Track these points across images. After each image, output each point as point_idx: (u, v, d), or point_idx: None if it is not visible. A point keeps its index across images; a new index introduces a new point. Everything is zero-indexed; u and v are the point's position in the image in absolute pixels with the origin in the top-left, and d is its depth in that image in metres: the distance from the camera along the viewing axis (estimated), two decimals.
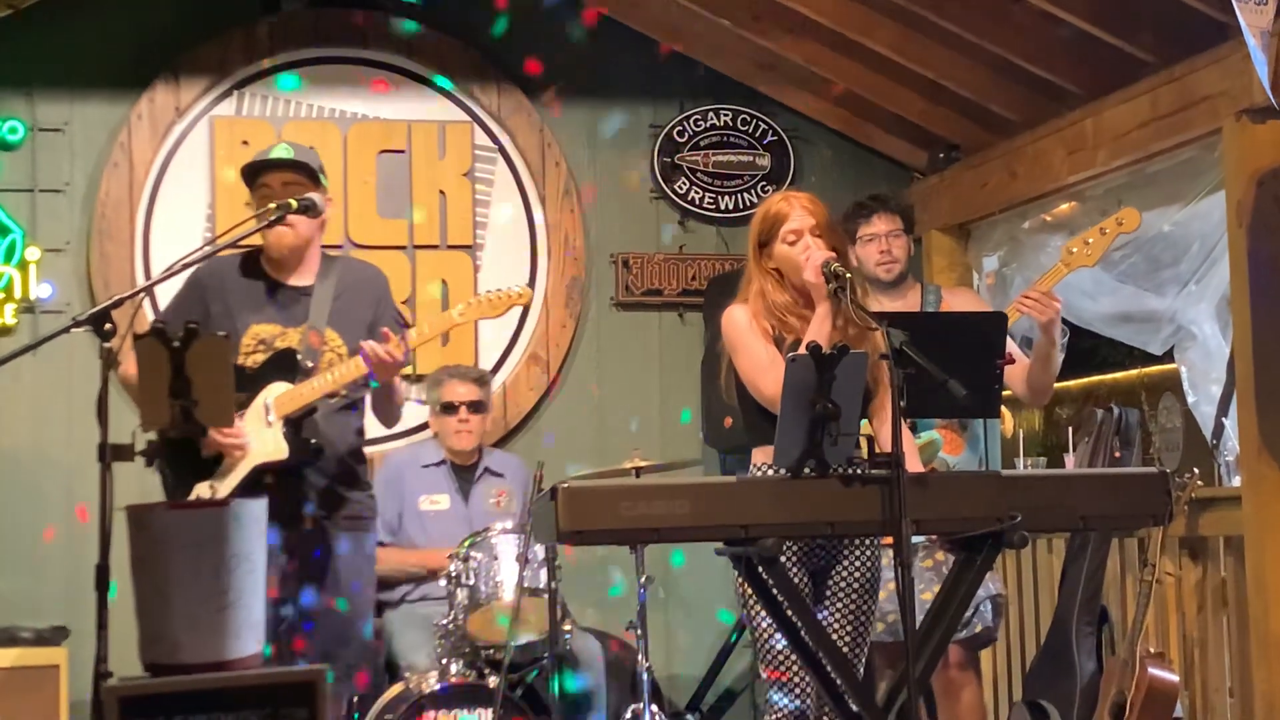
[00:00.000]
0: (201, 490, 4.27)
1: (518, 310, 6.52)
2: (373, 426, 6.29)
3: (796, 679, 3.94)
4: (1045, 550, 6.09)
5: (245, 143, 6.32)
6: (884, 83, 6.32)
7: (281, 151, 4.49)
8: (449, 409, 5.86)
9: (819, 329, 3.92)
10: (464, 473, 5.92)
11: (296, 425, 4.37)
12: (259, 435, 4.33)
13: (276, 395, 4.38)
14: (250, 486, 4.26)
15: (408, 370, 6.38)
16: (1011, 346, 4.78)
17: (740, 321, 4.08)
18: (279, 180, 4.44)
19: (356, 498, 4.58)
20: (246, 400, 4.36)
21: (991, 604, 4.89)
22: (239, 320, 4.47)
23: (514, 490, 5.89)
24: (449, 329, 4.65)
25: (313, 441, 4.38)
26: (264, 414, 4.37)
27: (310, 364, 4.41)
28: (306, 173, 4.47)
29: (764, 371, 3.98)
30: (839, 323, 3.95)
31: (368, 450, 6.25)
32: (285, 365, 4.41)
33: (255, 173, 4.50)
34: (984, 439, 5.05)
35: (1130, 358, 9.33)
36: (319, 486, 4.46)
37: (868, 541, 4.04)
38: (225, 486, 4.29)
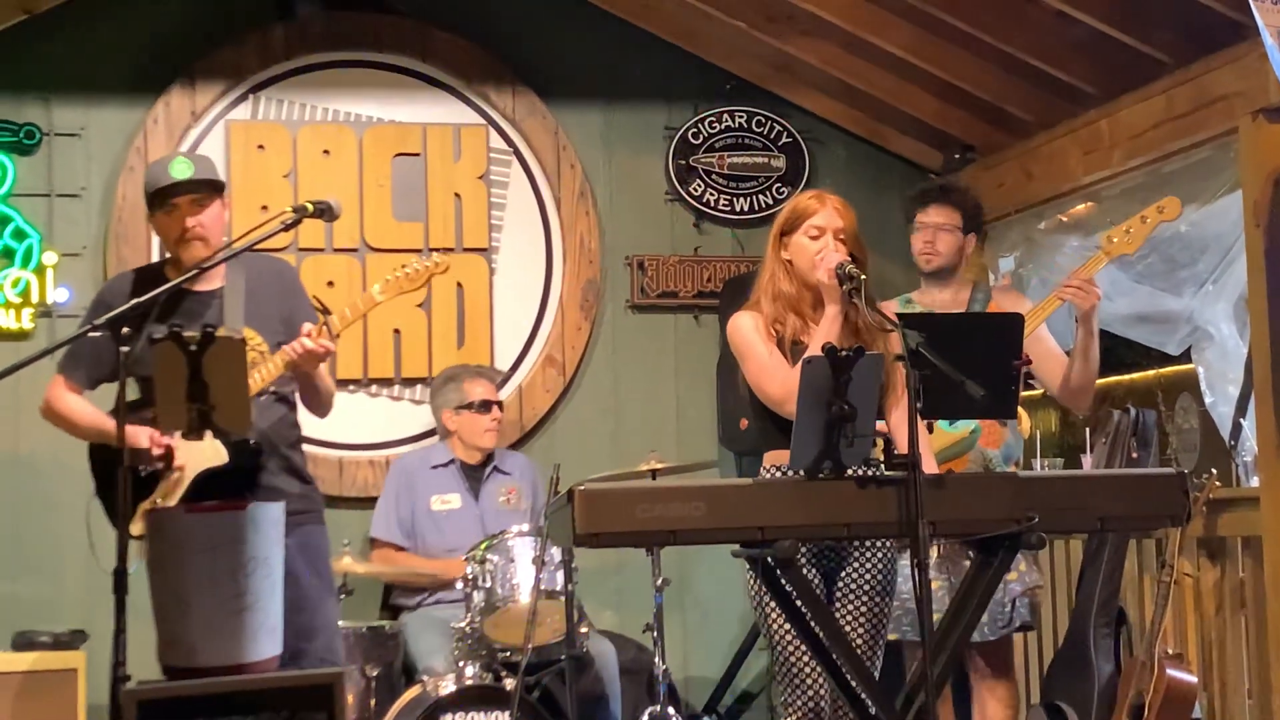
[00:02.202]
0: (145, 507, 4.17)
1: (533, 314, 6.57)
2: (402, 427, 6.39)
3: (812, 680, 3.94)
4: (1063, 551, 6.08)
5: (261, 147, 6.33)
6: (899, 84, 6.31)
7: (182, 169, 4.36)
8: (483, 407, 5.90)
9: (829, 330, 3.93)
10: (474, 472, 5.95)
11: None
12: (195, 444, 4.17)
13: None
14: (196, 495, 4.19)
15: (423, 374, 6.41)
16: (1051, 344, 4.77)
17: (744, 327, 4.10)
18: (187, 200, 4.35)
19: (302, 491, 4.51)
20: None
21: (1029, 599, 4.87)
22: (150, 333, 4.25)
23: (522, 488, 5.93)
24: (371, 309, 4.55)
25: (251, 441, 4.31)
26: None
27: None
28: (212, 187, 4.41)
29: (770, 374, 4.00)
30: (851, 325, 3.97)
31: (382, 454, 6.33)
32: None
33: (160, 193, 4.39)
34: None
35: (1147, 358, 9.28)
36: (264, 485, 4.37)
37: (880, 542, 4.04)
38: (172, 499, 4.21)
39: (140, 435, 4.16)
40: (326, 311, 4.36)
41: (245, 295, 4.43)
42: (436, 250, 6.47)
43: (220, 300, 4.42)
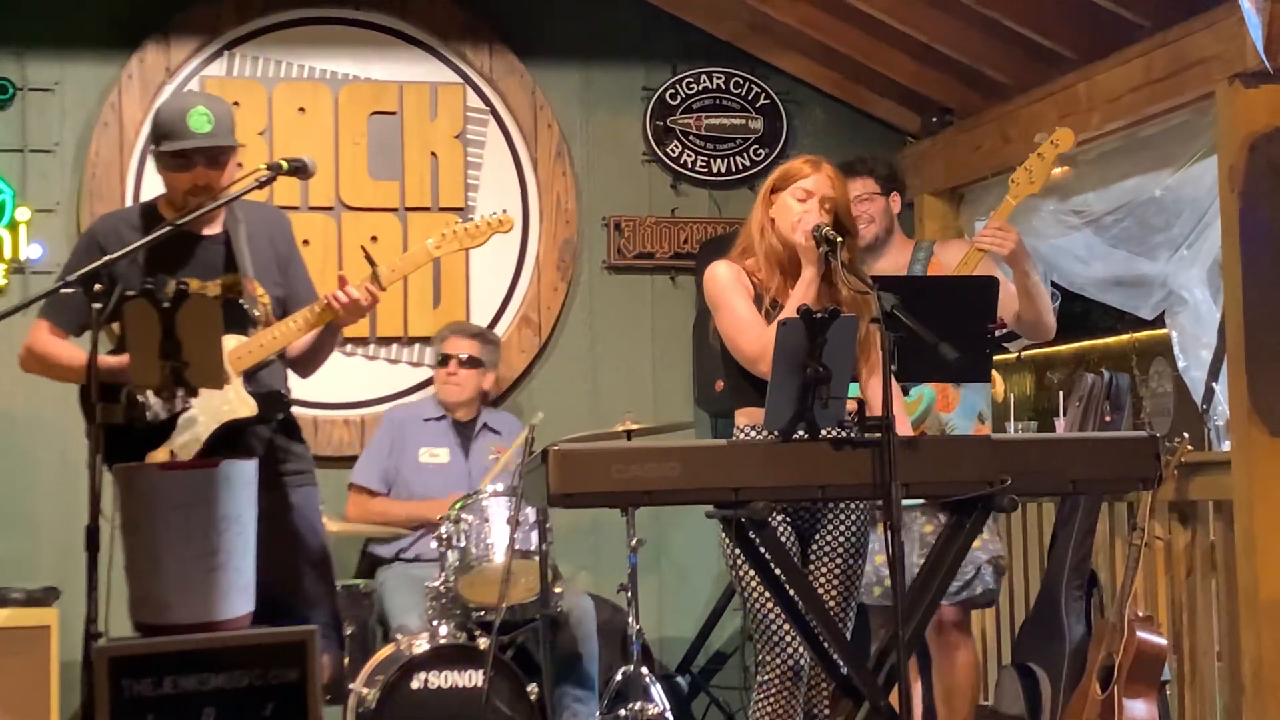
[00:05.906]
0: (158, 456, 4.04)
1: (509, 274, 6.56)
2: (377, 386, 6.38)
3: (787, 639, 3.95)
4: (1035, 514, 6.11)
5: (236, 104, 6.26)
6: (877, 46, 6.30)
7: (201, 123, 4.20)
8: (443, 360, 5.93)
9: (805, 293, 3.93)
10: (464, 428, 5.96)
11: (252, 379, 4.21)
12: (219, 393, 4.07)
13: (230, 349, 4.14)
14: (211, 451, 4.07)
15: (398, 333, 6.41)
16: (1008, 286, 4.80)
17: (722, 277, 4.09)
18: (203, 158, 4.21)
19: (299, 450, 4.44)
20: None
21: (993, 566, 4.90)
22: (151, 276, 4.17)
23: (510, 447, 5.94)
24: (425, 264, 4.48)
25: (281, 394, 4.26)
26: None
27: (255, 313, 4.23)
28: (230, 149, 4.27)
29: (744, 329, 4.00)
30: (830, 290, 3.97)
31: (357, 414, 6.33)
32: (232, 318, 4.14)
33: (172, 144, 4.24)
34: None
35: (1121, 322, 9.34)
36: (265, 441, 4.28)
37: (854, 504, 4.06)
38: (188, 451, 4.09)
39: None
40: (373, 263, 4.30)
41: (246, 242, 4.31)
42: (412, 210, 6.46)
43: (226, 247, 4.30)
